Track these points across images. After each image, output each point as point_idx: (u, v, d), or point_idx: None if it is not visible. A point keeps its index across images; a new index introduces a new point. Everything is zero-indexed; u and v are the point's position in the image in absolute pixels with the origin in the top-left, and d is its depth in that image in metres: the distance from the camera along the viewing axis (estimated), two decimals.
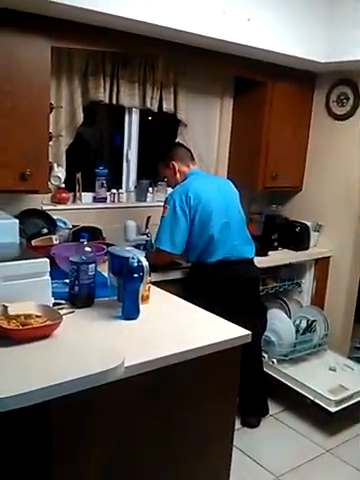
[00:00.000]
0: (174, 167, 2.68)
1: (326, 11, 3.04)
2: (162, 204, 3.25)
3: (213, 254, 2.58)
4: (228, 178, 3.52)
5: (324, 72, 3.40)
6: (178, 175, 2.69)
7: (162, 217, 2.60)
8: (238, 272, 2.62)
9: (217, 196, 2.62)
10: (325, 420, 2.88)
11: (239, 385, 1.91)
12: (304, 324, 3.34)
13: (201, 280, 2.61)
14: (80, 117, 2.82)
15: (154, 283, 2.25)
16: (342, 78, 3.36)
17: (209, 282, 2.57)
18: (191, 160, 2.75)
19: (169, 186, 2.90)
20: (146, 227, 3.09)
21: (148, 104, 3.03)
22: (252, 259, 2.74)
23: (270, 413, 2.99)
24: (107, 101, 2.88)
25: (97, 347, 1.54)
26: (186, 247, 2.61)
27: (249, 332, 1.82)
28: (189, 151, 2.80)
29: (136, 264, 1.85)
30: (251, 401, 2.90)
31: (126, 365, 1.45)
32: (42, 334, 1.54)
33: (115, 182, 3.26)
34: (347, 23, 2.99)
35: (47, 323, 1.56)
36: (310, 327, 3.33)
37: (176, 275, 2.69)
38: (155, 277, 2.39)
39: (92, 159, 3.45)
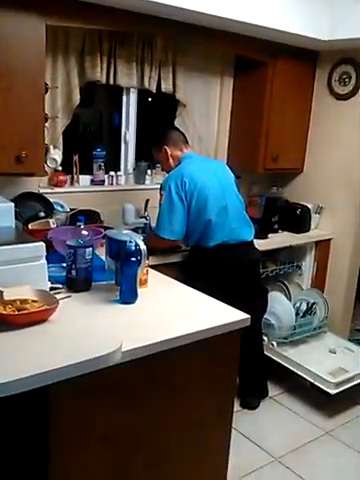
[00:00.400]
0: (166, 152, 2.62)
1: None
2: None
3: (211, 238, 2.55)
4: (228, 159, 3.51)
5: (326, 51, 3.32)
6: (171, 160, 2.63)
7: (159, 204, 2.57)
8: (238, 255, 2.59)
9: (213, 180, 2.57)
10: (325, 402, 2.88)
11: (238, 368, 1.90)
12: (304, 307, 3.33)
13: (200, 264, 2.58)
14: (77, 98, 2.76)
15: (153, 267, 2.24)
16: (345, 57, 3.29)
17: (208, 266, 2.55)
18: (184, 144, 2.69)
19: (162, 171, 2.84)
20: (145, 210, 3.06)
21: (146, 84, 2.97)
22: (252, 242, 2.71)
23: (270, 395, 3.00)
24: (104, 81, 2.82)
25: (94, 331, 1.52)
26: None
27: (248, 316, 1.80)
28: (182, 134, 2.74)
29: (133, 248, 1.82)
30: (251, 383, 2.91)
31: (124, 349, 1.43)
32: (38, 319, 1.53)
33: (113, 164, 3.22)
34: (349, 1, 2.90)
35: (43, 308, 1.55)
36: (310, 310, 3.32)
37: (175, 258, 2.67)
38: (153, 261, 2.38)
39: (90, 141, 3.41)
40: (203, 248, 2.58)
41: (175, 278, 2.19)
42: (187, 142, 2.73)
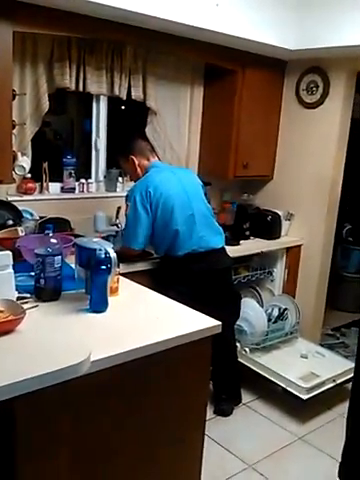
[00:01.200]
0: (134, 161, 2.61)
1: None
2: None
3: (180, 247, 2.55)
4: (199, 167, 3.54)
5: (294, 60, 3.39)
6: (138, 169, 2.62)
7: (125, 214, 2.57)
8: (207, 263, 2.60)
9: (178, 189, 2.57)
10: (297, 407, 2.90)
11: (211, 374, 1.90)
12: (276, 312, 3.36)
13: (171, 272, 2.58)
14: (46, 105, 2.73)
15: (123, 274, 2.21)
16: (312, 66, 3.36)
17: (179, 274, 2.55)
18: (151, 152, 2.69)
19: (131, 180, 2.84)
20: (116, 217, 3.05)
21: (116, 91, 2.96)
22: (222, 248, 2.71)
23: (243, 401, 3.00)
24: (74, 88, 2.80)
25: (63, 342, 1.49)
26: (153, 242, 2.60)
27: (219, 323, 1.80)
28: (149, 143, 2.75)
29: (103, 255, 1.80)
30: (224, 389, 2.91)
31: (92, 359, 1.41)
32: (4, 330, 1.49)
33: (85, 172, 3.19)
34: (317, 10, 2.97)
35: (9, 318, 1.51)
36: (282, 315, 3.35)
37: (146, 266, 2.66)
38: (124, 268, 2.36)
39: (62, 148, 3.38)
40: (173, 257, 2.57)
41: (147, 286, 2.17)
42: (154, 151, 2.73)
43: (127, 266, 2.47)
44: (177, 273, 2.55)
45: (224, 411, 2.87)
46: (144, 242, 2.54)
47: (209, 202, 2.78)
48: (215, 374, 2.60)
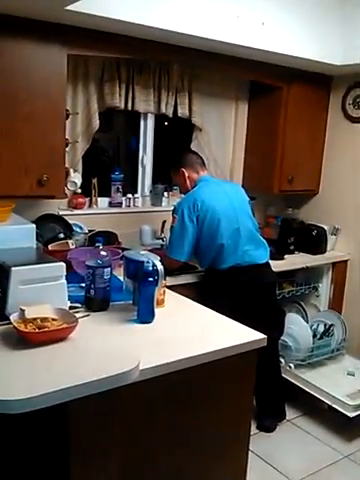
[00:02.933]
0: (184, 174, 2.68)
1: (340, 13, 3.02)
2: None
3: (225, 261, 2.58)
4: (243, 182, 3.56)
5: (340, 75, 3.38)
6: (188, 182, 2.69)
7: (171, 227, 2.63)
8: (251, 277, 2.61)
9: (225, 203, 2.61)
10: (343, 425, 2.84)
11: (255, 389, 1.90)
12: (321, 328, 3.31)
13: (215, 285, 2.61)
14: (96, 123, 2.85)
15: (169, 287, 2.26)
16: (358, 80, 3.34)
17: (223, 287, 2.57)
18: (201, 166, 2.74)
19: (181, 193, 2.90)
20: (162, 231, 3.11)
21: (163, 109, 3.05)
22: (267, 263, 2.72)
23: (287, 418, 2.96)
24: (123, 107, 2.91)
25: (112, 350, 1.55)
26: (198, 255, 2.64)
27: (265, 336, 1.81)
28: (200, 157, 2.80)
29: (151, 268, 1.86)
30: (268, 405, 2.88)
31: (141, 368, 1.46)
32: (58, 337, 1.56)
33: (131, 187, 3.29)
34: None
35: (63, 326, 1.58)
36: (328, 331, 3.29)
37: (191, 279, 2.69)
38: (170, 281, 2.40)
39: (109, 164, 3.49)
40: (217, 270, 2.60)
41: (192, 299, 2.21)
42: (204, 165, 2.79)
43: (174, 279, 2.52)
44: (221, 286, 2.58)
45: (267, 427, 2.85)
46: (188, 254, 2.58)
47: (254, 216, 2.80)
48: (258, 389, 2.57)
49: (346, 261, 3.53)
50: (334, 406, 2.83)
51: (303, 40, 2.89)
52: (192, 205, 2.53)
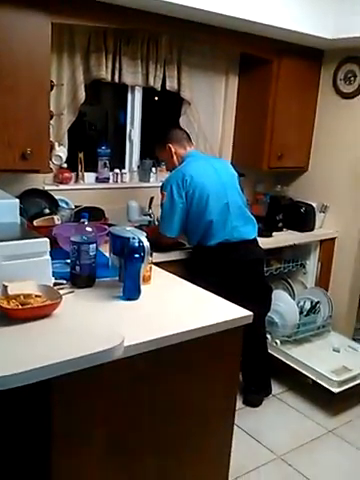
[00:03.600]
0: (170, 150, 2.63)
1: None
2: None
3: (213, 237, 2.56)
4: (233, 158, 3.52)
5: (331, 49, 3.32)
6: (175, 158, 2.64)
7: (161, 203, 2.60)
8: (240, 254, 2.60)
9: (214, 178, 2.58)
10: (328, 401, 2.89)
11: (241, 365, 1.91)
12: (308, 305, 3.33)
13: (203, 262, 2.59)
14: (82, 95, 2.77)
15: (156, 264, 2.24)
16: (350, 55, 3.28)
17: (211, 264, 2.56)
18: (188, 141, 2.69)
19: (167, 169, 2.85)
20: (149, 207, 3.07)
21: (151, 82, 2.98)
22: (255, 240, 2.71)
23: (273, 393, 3.00)
24: (109, 79, 2.83)
25: (97, 327, 1.53)
26: (187, 231, 2.62)
27: (251, 313, 1.81)
28: (186, 132, 2.75)
29: (137, 244, 1.83)
30: (254, 380, 2.92)
31: (126, 345, 1.44)
32: (42, 314, 1.54)
33: (118, 162, 3.23)
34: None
35: (46, 303, 1.56)
36: (314, 308, 3.32)
37: (179, 256, 2.68)
38: (157, 258, 2.38)
39: (96, 138, 3.42)
40: (205, 247, 2.59)
41: (179, 276, 2.19)
42: (190, 140, 2.74)
43: (159, 255, 2.49)
44: (209, 263, 2.57)
45: (253, 402, 2.88)
46: (178, 230, 2.57)
47: (243, 192, 2.77)
48: (245, 365, 2.60)
49: (334, 239, 3.54)
50: (319, 381, 2.87)
51: (295, 12, 2.82)
52: (181, 181, 2.50)
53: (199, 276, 2.26)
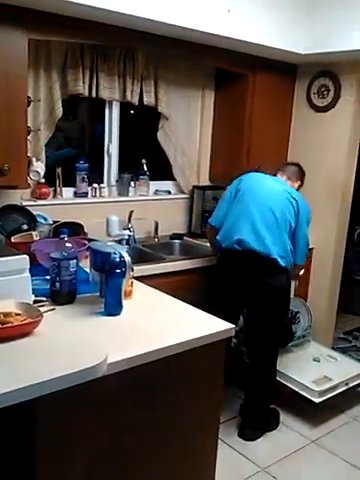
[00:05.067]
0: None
1: (306, 2, 3.02)
2: (144, 198, 3.27)
3: (227, 239, 2.68)
4: (210, 170, 3.57)
5: (305, 64, 3.40)
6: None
7: None
8: (240, 263, 2.64)
9: (262, 191, 2.71)
10: (310, 411, 2.90)
11: (224, 378, 1.90)
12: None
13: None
14: (59, 111, 2.77)
15: (137, 278, 2.23)
16: (323, 70, 3.37)
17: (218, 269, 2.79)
18: (281, 171, 2.93)
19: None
20: (129, 221, 3.07)
21: (128, 97, 3.00)
22: (267, 257, 2.60)
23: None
24: (87, 94, 2.84)
25: (79, 344, 1.51)
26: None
27: (233, 326, 1.81)
28: (290, 165, 3.03)
29: (118, 259, 1.82)
30: (250, 413, 2.77)
31: (109, 362, 1.43)
32: (22, 332, 1.51)
33: (97, 176, 3.22)
34: (327, 15, 2.98)
35: (27, 321, 1.54)
36: (293, 318, 3.34)
37: (160, 270, 2.68)
38: (139, 272, 2.36)
39: (74, 153, 3.41)
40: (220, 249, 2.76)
41: (163, 290, 2.18)
42: (284, 171, 2.93)
43: (140, 270, 2.48)
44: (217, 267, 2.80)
45: (247, 437, 2.71)
46: (219, 219, 2.78)
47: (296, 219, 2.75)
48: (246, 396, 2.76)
49: (311, 249, 3.57)
50: (301, 392, 2.88)
51: (268, 28, 2.88)
52: (238, 181, 2.81)
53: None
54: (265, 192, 2.71)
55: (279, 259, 2.60)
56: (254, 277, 2.61)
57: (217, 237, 2.75)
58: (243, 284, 2.64)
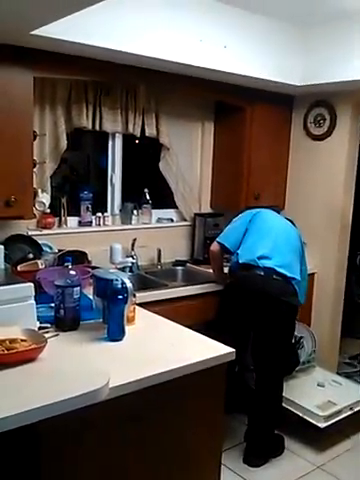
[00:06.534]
0: None
1: (300, 36, 3.15)
2: (147, 226, 3.33)
3: (246, 255, 2.74)
4: (212, 198, 3.66)
5: (301, 94, 3.51)
6: None
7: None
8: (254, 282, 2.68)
9: (280, 222, 2.91)
10: (315, 436, 2.88)
11: (228, 403, 1.92)
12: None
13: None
14: (64, 144, 2.87)
15: (140, 304, 2.28)
16: (318, 100, 3.47)
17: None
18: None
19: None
20: (132, 249, 3.13)
21: (131, 129, 3.10)
22: (282, 279, 2.69)
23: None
24: (90, 127, 2.95)
25: (82, 369, 1.56)
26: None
27: (233, 350, 1.85)
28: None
29: (120, 286, 1.88)
30: (254, 440, 2.76)
31: (111, 385, 1.47)
32: (27, 358, 1.56)
33: (101, 206, 3.31)
34: (321, 47, 3.09)
35: (32, 347, 1.58)
36: (297, 344, 3.35)
37: (163, 296, 2.72)
38: (141, 298, 2.42)
39: (78, 183, 3.50)
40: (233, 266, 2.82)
41: (163, 315, 2.23)
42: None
43: (143, 296, 2.53)
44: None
45: (252, 463, 2.70)
46: (231, 240, 2.85)
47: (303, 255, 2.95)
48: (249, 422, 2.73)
49: (313, 274, 3.62)
50: (305, 417, 2.87)
51: (264, 62, 3.00)
52: (255, 211, 2.93)
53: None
54: (283, 224, 2.93)
55: (296, 279, 2.73)
56: (272, 294, 2.65)
57: (237, 251, 2.80)
58: (257, 301, 2.64)
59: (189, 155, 3.51)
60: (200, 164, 3.60)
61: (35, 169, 2.67)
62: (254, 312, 2.66)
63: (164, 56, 2.55)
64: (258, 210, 2.94)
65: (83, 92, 2.87)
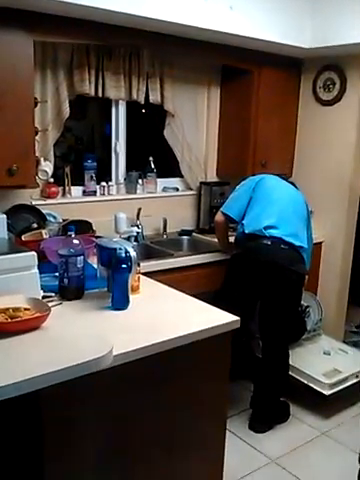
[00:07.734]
0: None
1: None
2: (152, 195, 3.30)
3: (252, 225, 2.72)
4: (218, 166, 3.60)
5: (310, 58, 3.40)
6: None
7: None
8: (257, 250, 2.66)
9: (286, 189, 2.86)
10: (320, 403, 2.91)
11: (234, 370, 1.93)
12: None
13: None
14: (66, 111, 2.81)
15: (145, 273, 2.27)
16: (328, 64, 3.37)
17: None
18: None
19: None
20: (137, 218, 3.11)
21: (134, 96, 3.03)
22: (292, 245, 2.68)
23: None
24: (93, 94, 2.88)
25: (85, 337, 1.55)
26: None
27: (237, 318, 1.84)
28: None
29: (124, 255, 1.86)
30: (260, 407, 2.79)
31: (114, 353, 1.47)
32: (31, 326, 1.56)
33: (105, 175, 3.27)
34: (331, 8, 2.98)
35: (35, 315, 1.58)
36: (304, 312, 3.35)
37: (168, 265, 2.71)
38: (145, 268, 2.41)
39: (82, 152, 3.46)
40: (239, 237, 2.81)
41: (168, 284, 2.22)
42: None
43: (147, 265, 2.52)
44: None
45: (256, 429, 2.74)
46: (235, 210, 2.81)
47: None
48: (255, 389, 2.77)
49: (320, 243, 3.58)
50: (310, 385, 2.89)
51: (271, 23, 2.89)
52: (259, 178, 2.87)
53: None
54: (288, 191, 2.87)
55: (303, 248, 2.72)
56: (281, 264, 2.62)
57: (243, 221, 2.76)
58: (265, 271, 2.62)
59: (195, 122, 3.43)
60: (206, 131, 3.52)
61: (37, 137, 2.63)
62: (262, 282, 2.65)
63: (167, 17, 2.46)
64: (261, 176, 2.88)
65: (85, 56, 2.78)
